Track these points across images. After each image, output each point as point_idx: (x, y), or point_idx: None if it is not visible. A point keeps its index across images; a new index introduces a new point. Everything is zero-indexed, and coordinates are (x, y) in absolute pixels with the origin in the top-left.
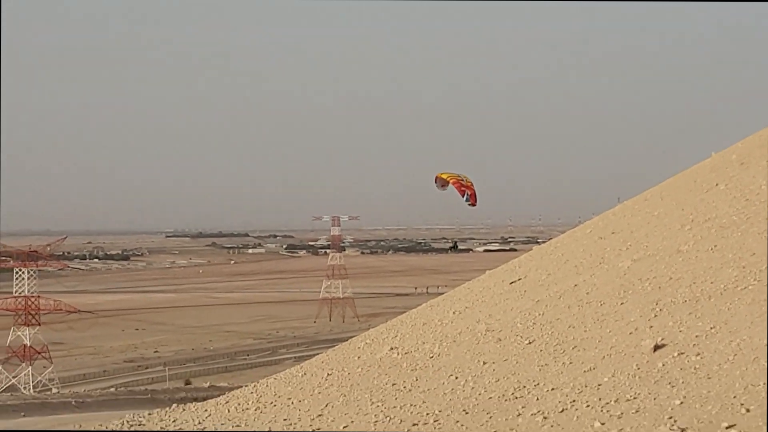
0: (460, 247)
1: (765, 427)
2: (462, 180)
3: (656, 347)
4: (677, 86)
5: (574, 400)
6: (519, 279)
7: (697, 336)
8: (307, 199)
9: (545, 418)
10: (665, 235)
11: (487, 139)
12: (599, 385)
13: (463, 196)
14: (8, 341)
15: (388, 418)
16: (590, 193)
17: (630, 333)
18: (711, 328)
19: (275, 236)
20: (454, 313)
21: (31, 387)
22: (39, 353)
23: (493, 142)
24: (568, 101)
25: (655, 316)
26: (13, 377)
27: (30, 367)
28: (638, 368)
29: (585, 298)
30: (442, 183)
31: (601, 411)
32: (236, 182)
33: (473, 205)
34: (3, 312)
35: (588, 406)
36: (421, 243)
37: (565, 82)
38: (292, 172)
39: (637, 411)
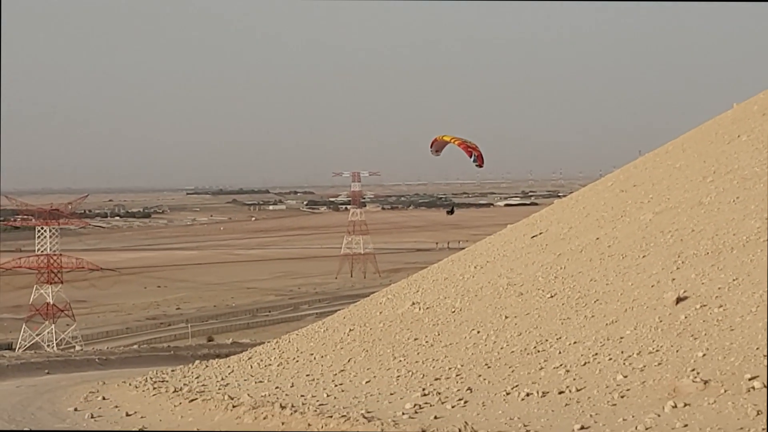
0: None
1: None
2: (467, 142)
3: (678, 300)
4: (698, 36)
5: (596, 354)
6: (540, 233)
7: (719, 288)
8: (327, 155)
9: (567, 371)
10: (687, 188)
11: (508, 92)
12: (621, 338)
13: (470, 157)
14: (31, 299)
15: (410, 373)
16: (611, 145)
17: (652, 286)
18: (733, 280)
19: (296, 192)
20: (475, 267)
21: (55, 344)
22: (62, 311)
23: (513, 95)
24: (588, 53)
25: (678, 268)
26: (37, 335)
27: (53, 325)
28: (660, 321)
29: (607, 251)
30: (437, 148)
31: (624, 364)
32: (256, 139)
33: (480, 166)
34: (26, 270)
35: (610, 359)
36: (441, 198)
37: (585, 33)
38: (312, 128)
39: (659, 363)
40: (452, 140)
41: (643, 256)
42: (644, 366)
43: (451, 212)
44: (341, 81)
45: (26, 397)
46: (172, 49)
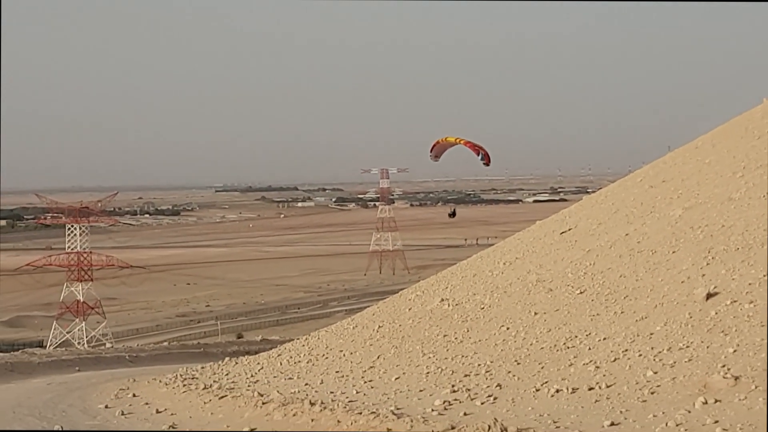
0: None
1: None
2: (472, 141)
3: (709, 295)
4: (729, 31)
5: (626, 350)
6: (569, 229)
7: (750, 284)
8: (355, 151)
9: (597, 367)
10: (717, 183)
11: (536, 88)
12: (651, 334)
13: (478, 155)
14: (62, 297)
15: (439, 369)
16: (640, 141)
17: (682, 281)
18: (764, 276)
19: (324, 189)
20: (504, 263)
21: (85, 342)
22: (92, 308)
23: (542, 91)
24: (617, 48)
25: (708, 264)
26: (68, 332)
27: (83, 323)
28: (691, 317)
29: (636, 247)
30: (437, 153)
31: (654, 360)
32: (285, 136)
33: (487, 164)
34: (56, 268)
35: (640, 355)
36: (470, 194)
37: (613, 26)
38: (340, 125)
39: (690, 359)
40: (457, 140)
41: (673, 252)
42: (674, 362)
43: (452, 215)
44: (370, 78)
45: (57, 394)
46: (199, 49)
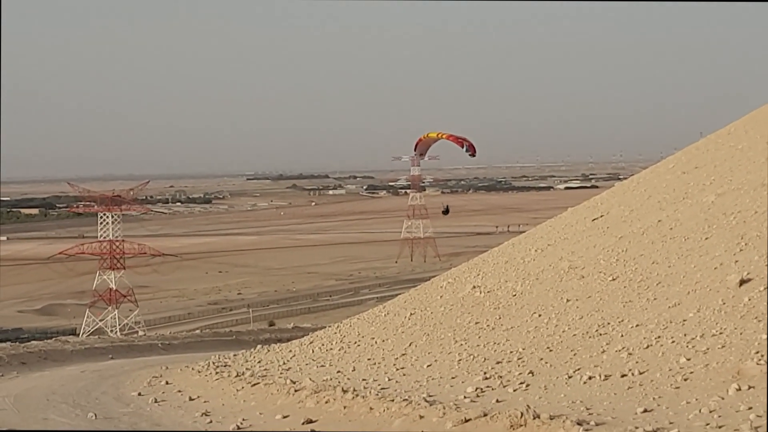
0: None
1: None
2: (455, 134)
3: (742, 282)
4: (762, 16)
5: (659, 336)
6: (601, 216)
7: None
8: (386, 139)
9: (630, 354)
10: (750, 169)
11: (567, 75)
12: (684, 320)
13: (462, 147)
14: (94, 285)
15: (471, 357)
16: (672, 127)
17: (715, 268)
18: None
19: (355, 177)
20: (536, 251)
21: (118, 330)
22: (125, 296)
23: (574, 78)
24: (651, 33)
25: (741, 250)
26: (100, 320)
27: (116, 311)
28: (724, 303)
29: (669, 233)
30: (421, 150)
31: (687, 346)
32: (316, 124)
33: (473, 155)
34: (89, 256)
35: (673, 341)
36: (501, 181)
37: (646, 13)
38: (371, 112)
39: (723, 346)
40: (439, 135)
41: (706, 239)
42: (708, 349)
43: (446, 212)
44: (401, 66)
45: (90, 381)
46: (232, 38)
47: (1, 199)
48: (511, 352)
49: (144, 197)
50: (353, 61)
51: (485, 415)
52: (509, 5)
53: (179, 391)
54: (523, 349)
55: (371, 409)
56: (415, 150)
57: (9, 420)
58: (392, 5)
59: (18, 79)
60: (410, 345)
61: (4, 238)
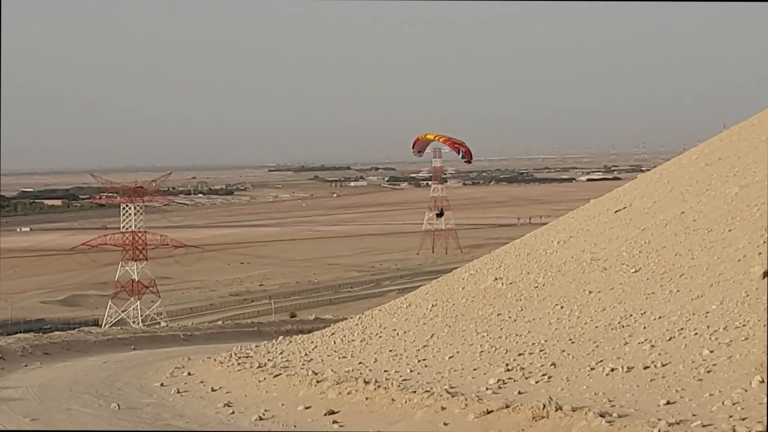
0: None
1: None
2: (453, 139)
3: (765, 274)
4: None
5: (681, 328)
6: (624, 207)
7: None
8: (408, 130)
9: (653, 346)
10: None
11: (589, 65)
12: (707, 312)
13: (458, 153)
14: (117, 276)
15: (493, 348)
16: (695, 119)
17: (738, 260)
18: None
19: (377, 168)
20: (558, 242)
21: (140, 321)
22: (147, 287)
23: (597, 69)
24: (673, 24)
25: (764, 242)
26: (123, 311)
27: (138, 302)
28: (747, 295)
29: (692, 225)
30: (420, 148)
31: (710, 339)
32: (338, 116)
33: (469, 162)
34: (111, 247)
35: (696, 333)
36: (523, 173)
37: (669, 3)
38: (393, 104)
39: (746, 338)
40: (436, 138)
41: (729, 230)
42: (731, 341)
43: (440, 215)
44: (423, 57)
45: (113, 372)
46: (256, 30)
47: (25, 190)
48: (533, 343)
49: (166, 188)
50: (377, 53)
51: (507, 406)
52: None
53: (201, 382)
54: (546, 340)
55: (393, 400)
56: (413, 148)
57: (32, 410)
58: None
59: (43, 74)
60: (432, 336)
61: (27, 228)
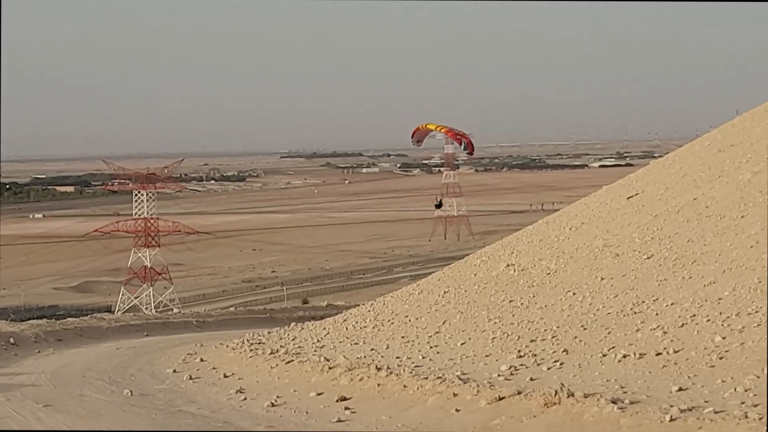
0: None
1: None
2: (454, 130)
3: None
4: None
5: (694, 315)
6: (636, 194)
7: None
8: (420, 117)
9: (665, 332)
10: None
11: (603, 52)
12: (720, 299)
13: (460, 145)
14: (129, 263)
15: (505, 335)
16: (708, 105)
17: (751, 246)
18: None
19: (389, 155)
20: (570, 229)
21: (153, 307)
22: (159, 274)
23: (608, 55)
24: (686, 11)
25: None
26: (135, 298)
27: (151, 288)
28: (759, 281)
29: (704, 211)
30: (419, 137)
31: (722, 325)
32: (350, 102)
33: (471, 153)
34: (123, 234)
35: (708, 320)
36: (535, 160)
37: None
38: (404, 91)
39: (758, 324)
40: (438, 128)
41: (742, 217)
42: (743, 327)
43: (438, 205)
44: (434, 43)
45: (126, 358)
46: (269, 16)
47: (38, 176)
48: (545, 330)
49: (178, 175)
50: (390, 39)
51: (519, 393)
52: None
53: (214, 368)
54: (558, 327)
55: (405, 386)
56: (412, 137)
57: (45, 396)
58: None
59: (56, 61)
60: (444, 323)
61: (40, 215)
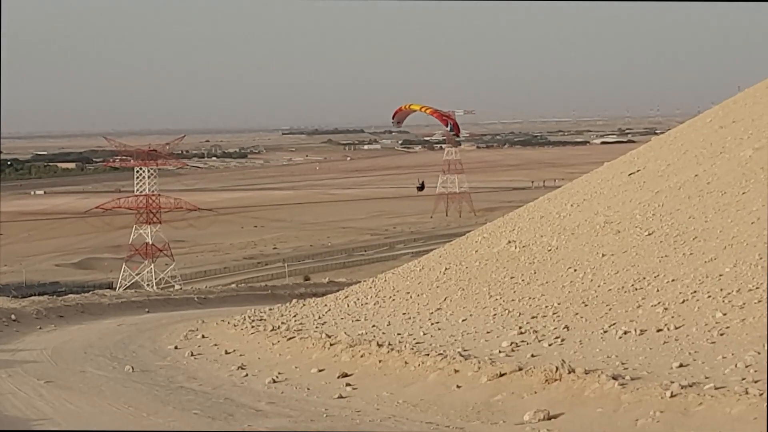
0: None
1: None
2: (440, 111)
3: None
4: None
5: (695, 291)
6: (638, 170)
7: None
8: (421, 94)
9: (666, 309)
10: None
11: (603, 28)
12: (720, 275)
13: (446, 126)
14: (131, 239)
15: (506, 311)
16: (709, 81)
17: (752, 222)
18: None
19: (390, 132)
20: (572, 205)
21: (154, 284)
22: (161, 251)
23: (610, 30)
24: None
25: None
26: (137, 274)
27: (152, 265)
28: (761, 258)
29: (705, 188)
30: (399, 119)
31: (723, 301)
32: (351, 79)
33: (457, 135)
34: (125, 211)
35: (709, 296)
36: (537, 136)
37: None
38: (406, 67)
39: (759, 301)
40: (422, 109)
41: (743, 193)
42: (744, 303)
43: (421, 188)
44: (436, 18)
45: (128, 335)
46: None
47: (39, 153)
48: (546, 306)
49: (180, 152)
50: (392, 14)
51: (520, 369)
52: None
53: (215, 345)
54: (559, 303)
55: (406, 363)
56: (393, 118)
57: (47, 372)
58: None
59: (57, 36)
60: (445, 300)
61: (41, 192)
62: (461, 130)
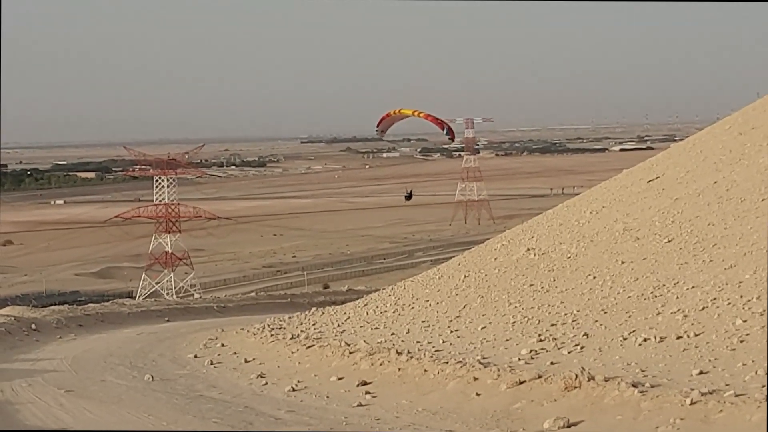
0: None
1: None
2: (433, 115)
3: None
4: None
5: (714, 298)
6: (657, 177)
7: None
8: (440, 101)
9: (685, 316)
10: None
11: (623, 35)
12: (740, 282)
13: (443, 130)
14: (150, 248)
15: (525, 319)
16: (728, 88)
17: None
18: None
19: (409, 140)
20: (591, 213)
21: (174, 293)
22: (180, 260)
23: (630, 38)
24: None
25: None
26: (156, 283)
27: (172, 274)
28: None
29: (725, 195)
30: (383, 128)
31: (743, 308)
32: (370, 86)
33: (452, 139)
34: (144, 220)
35: (729, 303)
36: (556, 143)
37: None
38: (424, 74)
39: None
40: (415, 113)
41: (762, 200)
42: (764, 310)
43: (408, 197)
44: (453, 26)
45: (147, 344)
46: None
47: (58, 162)
48: (565, 314)
49: (199, 161)
50: (408, 21)
51: (540, 377)
52: None
53: (235, 354)
54: (578, 311)
55: (425, 371)
56: (378, 126)
57: (67, 381)
58: None
59: (75, 45)
60: (464, 307)
61: (61, 201)
62: (480, 138)
